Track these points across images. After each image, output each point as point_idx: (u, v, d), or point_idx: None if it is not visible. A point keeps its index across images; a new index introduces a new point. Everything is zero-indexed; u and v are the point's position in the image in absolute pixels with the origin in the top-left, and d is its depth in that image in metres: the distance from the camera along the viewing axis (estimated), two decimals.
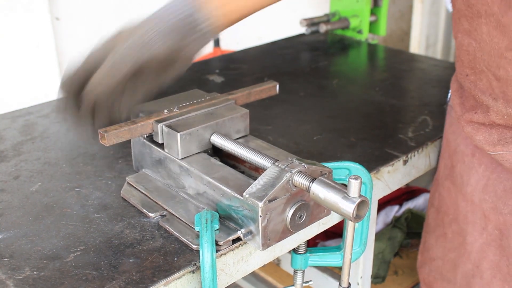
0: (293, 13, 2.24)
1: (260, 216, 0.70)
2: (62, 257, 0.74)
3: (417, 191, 1.72)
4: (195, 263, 0.72)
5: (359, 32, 1.79)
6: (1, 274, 0.71)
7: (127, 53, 0.75)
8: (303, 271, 0.97)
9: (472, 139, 0.91)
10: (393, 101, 1.28)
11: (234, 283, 0.82)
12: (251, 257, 0.79)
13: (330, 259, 0.95)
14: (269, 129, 1.11)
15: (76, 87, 0.79)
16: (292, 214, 0.73)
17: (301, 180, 0.71)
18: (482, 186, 0.92)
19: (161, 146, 0.86)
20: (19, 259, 0.73)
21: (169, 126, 0.83)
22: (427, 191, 1.71)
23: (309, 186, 0.70)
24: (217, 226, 0.74)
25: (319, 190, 0.69)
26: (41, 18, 2.03)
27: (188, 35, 0.77)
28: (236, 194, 0.74)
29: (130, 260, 0.73)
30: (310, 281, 1.04)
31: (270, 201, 0.70)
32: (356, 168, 0.86)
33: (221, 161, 0.85)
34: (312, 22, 1.81)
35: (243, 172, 0.84)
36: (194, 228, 0.77)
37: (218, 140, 0.85)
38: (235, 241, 0.76)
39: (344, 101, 1.32)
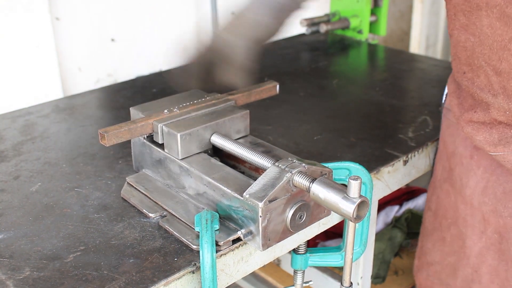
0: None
1: (260, 216, 0.70)
2: (62, 257, 0.74)
3: (417, 191, 1.72)
4: (195, 264, 0.72)
5: (359, 32, 1.78)
6: (1, 274, 0.71)
7: (248, 36, 0.88)
8: (303, 271, 0.97)
9: (472, 140, 0.90)
10: (393, 101, 1.28)
11: (234, 283, 0.82)
12: (251, 257, 0.79)
13: (330, 259, 0.95)
14: (269, 129, 1.11)
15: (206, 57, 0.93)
16: (292, 215, 0.73)
17: (301, 181, 0.71)
18: (482, 188, 0.91)
19: (161, 146, 0.86)
20: (19, 259, 0.73)
21: (169, 126, 0.83)
22: (427, 191, 1.71)
23: (309, 186, 0.70)
24: (217, 227, 0.74)
25: (319, 191, 0.69)
26: (41, 18, 2.03)
27: (291, 10, 0.90)
28: (236, 195, 0.74)
29: (130, 261, 0.73)
30: (310, 281, 1.04)
31: (270, 201, 0.70)
32: (356, 168, 0.86)
33: (221, 161, 0.85)
34: (312, 22, 1.81)
35: (243, 172, 0.84)
36: (194, 229, 0.77)
37: (218, 140, 0.85)
38: (235, 241, 0.76)
39: (344, 101, 1.32)
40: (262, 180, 0.72)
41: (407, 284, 1.55)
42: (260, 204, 0.69)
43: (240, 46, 0.89)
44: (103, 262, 0.73)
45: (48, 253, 0.75)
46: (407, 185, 1.61)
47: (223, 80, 0.91)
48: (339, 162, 0.86)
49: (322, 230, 0.90)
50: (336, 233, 1.53)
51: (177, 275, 0.70)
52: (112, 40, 2.34)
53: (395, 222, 1.60)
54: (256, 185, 0.72)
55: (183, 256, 0.74)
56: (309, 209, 0.76)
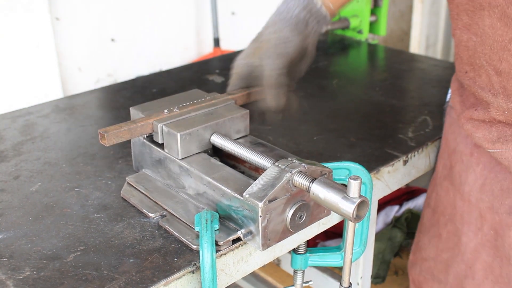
0: None
1: (260, 216, 0.70)
2: (62, 257, 0.74)
3: (417, 191, 1.72)
4: (195, 263, 0.72)
5: (359, 32, 1.78)
6: (1, 274, 0.71)
7: (278, 52, 0.87)
8: (303, 271, 0.97)
9: (471, 137, 0.91)
10: (393, 101, 1.28)
11: (234, 283, 0.82)
12: (251, 257, 0.79)
13: (330, 259, 0.95)
14: (269, 129, 1.11)
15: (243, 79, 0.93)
16: (292, 215, 0.73)
17: (301, 181, 0.71)
18: (480, 185, 0.92)
19: (161, 146, 0.86)
20: (19, 259, 0.73)
21: (169, 126, 0.83)
22: (426, 191, 1.71)
23: (309, 186, 0.70)
24: (217, 226, 0.74)
25: (319, 191, 0.69)
26: (41, 18, 2.03)
27: (309, 22, 0.90)
28: (236, 195, 0.74)
29: (130, 260, 0.73)
30: (310, 281, 1.04)
31: (270, 201, 0.70)
32: (356, 168, 0.86)
33: (221, 161, 0.85)
34: None
35: (243, 172, 0.84)
36: (194, 228, 0.77)
37: (218, 140, 0.85)
38: (235, 241, 0.76)
39: (344, 101, 1.32)
40: (262, 180, 0.72)
41: (407, 284, 1.55)
42: (260, 204, 0.69)
43: (267, 66, 0.88)
44: (103, 262, 0.73)
45: (48, 253, 0.75)
46: (407, 185, 1.61)
47: (265, 106, 0.91)
48: (339, 162, 0.86)
49: (322, 230, 0.90)
50: (336, 233, 1.53)
51: (177, 275, 0.70)
52: (112, 40, 2.34)
53: (395, 222, 1.60)
54: (256, 185, 0.72)
55: (183, 256, 0.74)
56: (309, 209, 0.76)
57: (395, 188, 1.02)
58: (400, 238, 1.57)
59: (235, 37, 2.66)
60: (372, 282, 1.26)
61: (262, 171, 0.76)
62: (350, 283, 0.87)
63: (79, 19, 2.21)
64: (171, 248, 0.75)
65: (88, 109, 1.25)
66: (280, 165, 0.73)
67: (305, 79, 0.98)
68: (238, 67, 0.92)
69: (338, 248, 0.94)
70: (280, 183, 0.71)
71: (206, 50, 2.66)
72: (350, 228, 0.79)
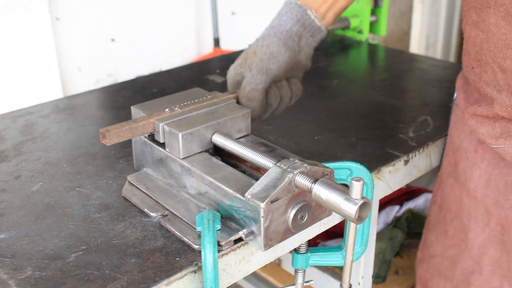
0: None
1: (262, 217, 0.70)
2: (63, 257, 0.74)
3: (417, 191, 1.72)
4: (197, 263, 0.72)
5: (360, 32, 1.79)
6: (3, 274, 0.71)
7: (260, 67, 0.87)
8: (304, 271, 0.97)
9: (475, 133, 0.92)
10: (393, 101, 1.28)
11: (235, 283, 0.82)
12: (252, 257, 0.79)
13: (331, 259, 0.95)
14: (270, 129, 1.11)
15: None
16: (294, 215, 0.73)
17: (303, 181, 0.71)
18: (485, 181, 0.93)
19: (162, 145, 0.85)
20: (20, 259, 0.73)
21: (170, 126, 0.83)
22: (427, 191, 1.71)
23: (311, 187, 0.70)
24: (218, 226, 0.74)
25: (321, 192, 0.69)
26: (41, 18, 2.03)
27: (302, 35, 0.90)
28: (238, 195, 0.74)
29: (132, 260, 0.73)
30: (311, 280, 1.04)
31: (272, 202, 0.70)
32: (357, 168, 0.86)
33: (222, 160, 0.85)
34: None
35: (244, 172, 0.84)
36: (195, 228, 0.77)
37: (219, 140, 0.85)
38: (236, 241, 0.76)
39: (344, 101, 1.32)
40: (264, 180, 0.72)
41: (408, 284, 1.56)
42: (262, 205, 0.69)
43: (246, 78, 0.89)
44: (105, 261, 0.73)
45: (49, 253, 0.75)
46: (407, 185, 1.61)
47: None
48: (340, 162, 0.86)
49: (323, 230, 0.90)
50: (336, 232, 1.53)
51: (179, 274, 0.70)
52: (112, 40, 2.34)
53: (396, 222, 1.60)
54: (258, 186, 0.72)
55: (184, 255, 0.74)
56: (311, 209, 0.76)
57: (396, 188, 1.02)
58: (400, 238, 1.57)
59: (235, 37, 2.66)
60: (373, 282, 1.26)
61: (264, 171, 0.76)
62: (350, 285, 0.87)
63: (79, 19, 2.21)
64: (173, 248, 0.75)
65: (88, 109, 1.25)
66: (282, 165, 0.73)
67: (305, 79, 0.98)
68: (229, 75, 0.93)
69: (339, 248, 0.94)
70: (282, 184, 0.71)
71: (206, 50, 2.66)
72: (351, 228, 0.80)
